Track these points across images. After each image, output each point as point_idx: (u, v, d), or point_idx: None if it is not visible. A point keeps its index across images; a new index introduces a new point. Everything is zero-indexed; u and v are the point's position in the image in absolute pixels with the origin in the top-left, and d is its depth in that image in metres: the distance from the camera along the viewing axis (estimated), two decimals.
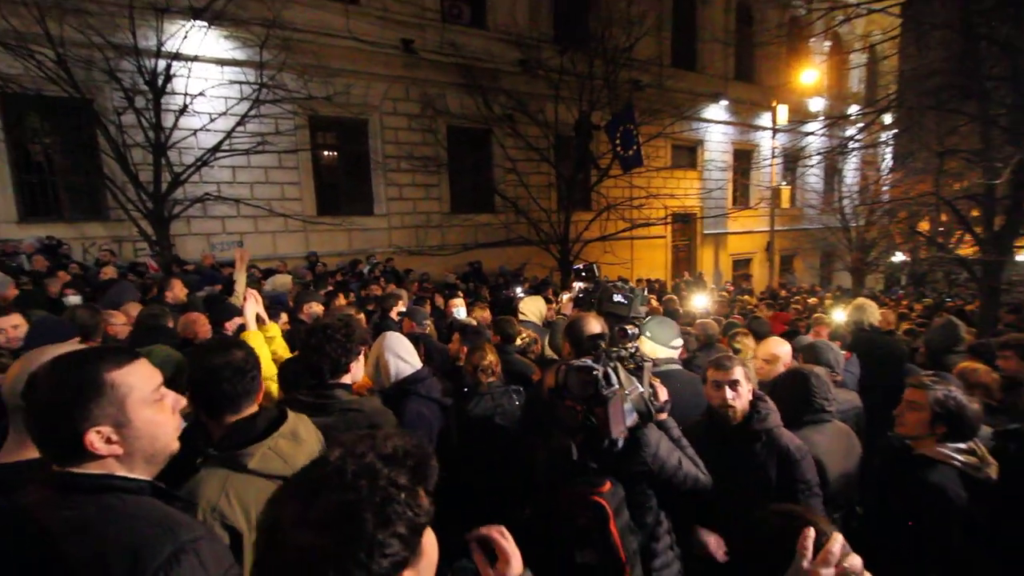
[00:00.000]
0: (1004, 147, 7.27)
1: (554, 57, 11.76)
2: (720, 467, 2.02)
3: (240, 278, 3.88)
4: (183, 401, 1.17)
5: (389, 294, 5.52)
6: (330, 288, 6.51)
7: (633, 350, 1.91)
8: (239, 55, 9.25)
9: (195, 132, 8.57)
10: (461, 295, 6.43)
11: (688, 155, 17.27)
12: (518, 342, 3.56)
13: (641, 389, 1.75)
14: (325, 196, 11.05)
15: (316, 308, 4.44)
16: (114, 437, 1.02)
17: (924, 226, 15.76)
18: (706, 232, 17.82)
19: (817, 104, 17.28)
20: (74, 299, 4.71)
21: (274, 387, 2.41)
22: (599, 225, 12.54)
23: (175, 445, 1.13)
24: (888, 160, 15.21)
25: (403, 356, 2.50)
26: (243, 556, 1.29)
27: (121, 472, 1.04)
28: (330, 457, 0.73)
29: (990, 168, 7.13)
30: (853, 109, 14.64)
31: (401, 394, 2.42)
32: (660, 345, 2.61)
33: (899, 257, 19.93)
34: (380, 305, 5.30)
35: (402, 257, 11.37)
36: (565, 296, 3.67)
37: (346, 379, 2.03)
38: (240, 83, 9.16)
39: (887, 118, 11.97)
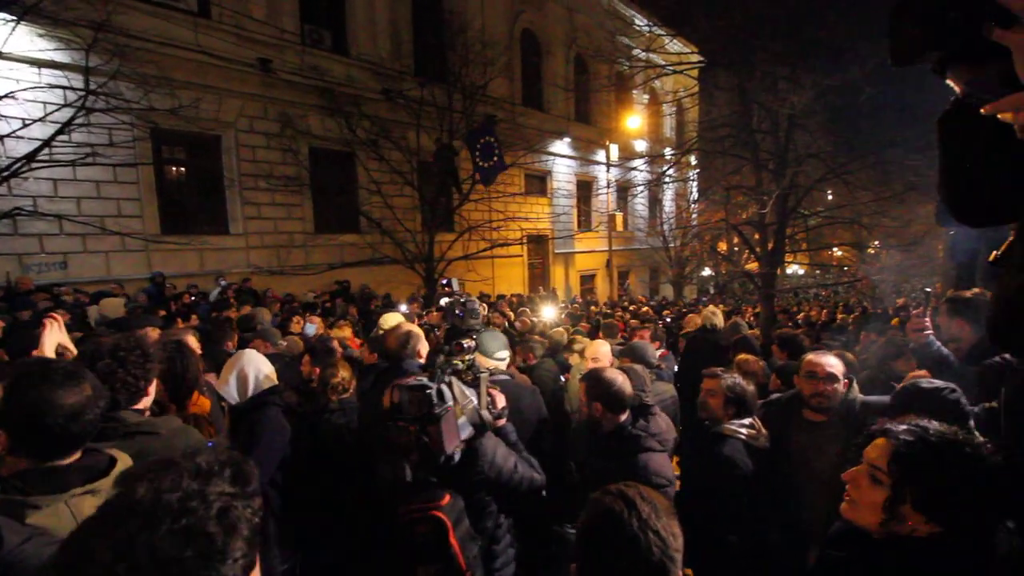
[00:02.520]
0: (771, 184, 8.73)
1: (415, 89, 11.71)
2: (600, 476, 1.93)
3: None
4: None
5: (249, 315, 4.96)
6: (164, 312, 5.65)
7: (470, 362, 1.88)
8: (60, 57, 7.75)
9: (1, 139, 6.99)
10: (319, 314, 6.00)
11: (539, 183, 18.22)
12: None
13: (475, 402, 1.72)
14: (171, 214, 9.66)
15: (152, 334, 3.83)
16: None
17: (723, 246, 18.33)
18: (557, 252, 18.86)
19: (641, 144, 19.33)
20: None
21: None
22: (462, 245, 12.61)
23: None
24: (694, 193, 17.45)
25: (263, 370, 2.52)
26: None
27: None
28: (135, 496, 0.61)
29: (760, 200, 8.51)
30: (667, 151, 16.62)
31: (260, 404, 2.44)
32: (484, 356, 2.44)
33: (707, 272, 22.98)
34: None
35: (262, 277, 10.36)
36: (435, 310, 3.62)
37: (143, 403, 1.67)
38: (63, 88, 7.63)
39: (692, 159, 13.78)
